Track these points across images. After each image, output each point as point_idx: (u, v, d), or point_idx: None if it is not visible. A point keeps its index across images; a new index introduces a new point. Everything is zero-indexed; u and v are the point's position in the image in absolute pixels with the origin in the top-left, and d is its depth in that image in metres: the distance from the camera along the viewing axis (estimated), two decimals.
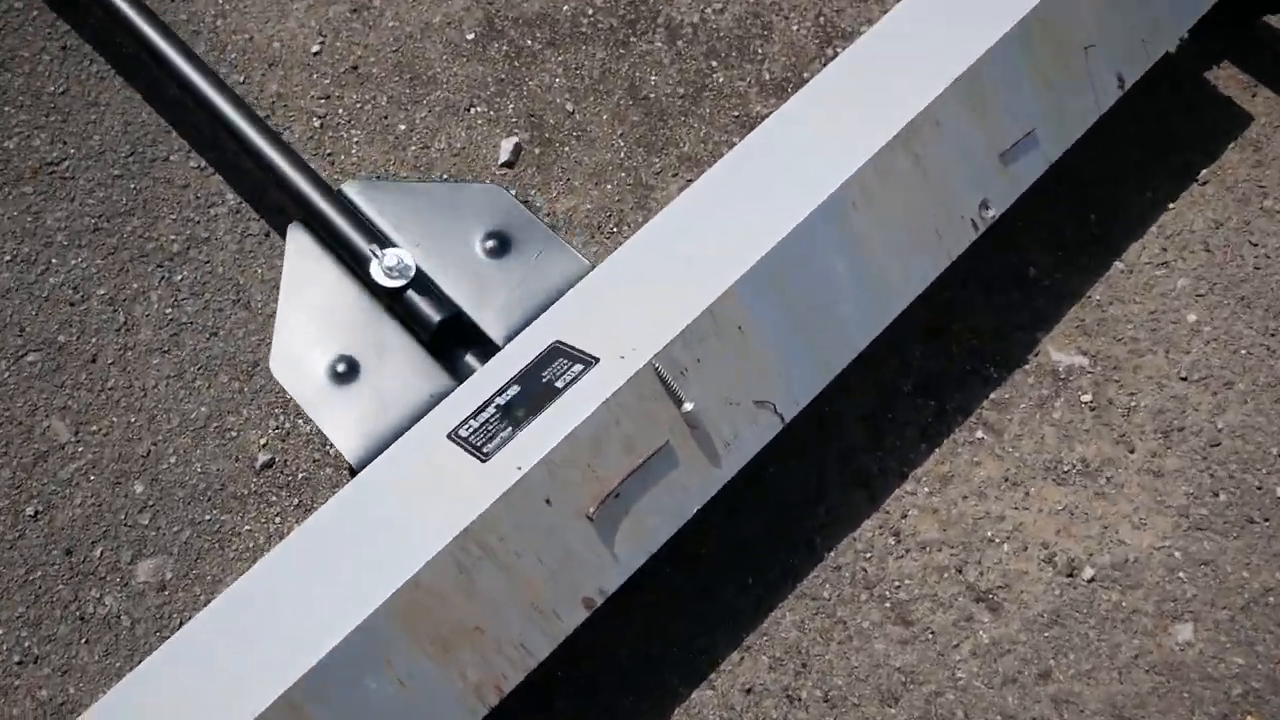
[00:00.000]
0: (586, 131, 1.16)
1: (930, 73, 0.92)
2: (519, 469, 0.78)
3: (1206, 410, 1.01)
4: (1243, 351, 1.04)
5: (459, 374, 0.93)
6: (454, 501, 0.79)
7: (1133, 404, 1.02)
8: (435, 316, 0.93)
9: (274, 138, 0.99)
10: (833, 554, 0.98)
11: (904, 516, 0.99)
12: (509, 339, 0.93)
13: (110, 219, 1.11)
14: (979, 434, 1.02)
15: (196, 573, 0.98)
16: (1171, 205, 1.11)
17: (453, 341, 0.94)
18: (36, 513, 1.00)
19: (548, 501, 0.79)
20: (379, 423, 0.90)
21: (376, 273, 0.93)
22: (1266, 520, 0.97)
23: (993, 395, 1.04)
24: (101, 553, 0.99)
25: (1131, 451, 1.00)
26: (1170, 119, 1.15)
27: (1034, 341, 1.06)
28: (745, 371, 0.86)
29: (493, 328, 0.94)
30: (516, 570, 0.79)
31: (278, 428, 1.03)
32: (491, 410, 0.85)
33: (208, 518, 1.00)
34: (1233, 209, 1.10)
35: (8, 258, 1.10)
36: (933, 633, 0.94)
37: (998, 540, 0.98)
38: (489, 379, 0.89)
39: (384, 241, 0.95)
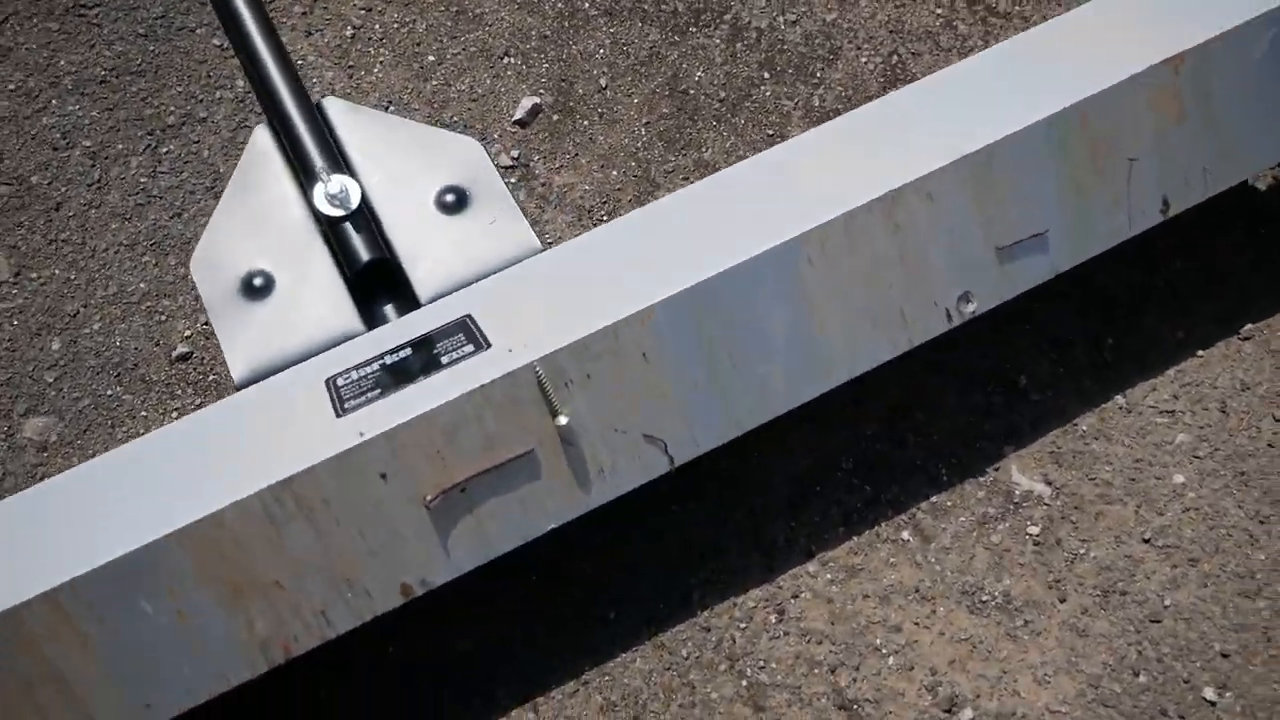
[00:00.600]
0: (612, 110, 1.10)
1: (941, 143, 0.84)
2: (361, 434, 0.74)
3: (1159, 582, 0.92)
4: (1222, 531, 0.93)
5: (373, 321, 0.89)
6: (289, 449, 0.75)
7: (1081, 551, 0.93)
8: (364, 256, 0.88)
9: (270, 31, 0.96)
10: (707, 613, 0.91)
11: (794, 596, 0.92)
12: (433, 300, 0.89)
13: (120, 75, 1.10)
14: (905, 534, 0.94)
15: (80, 443, 0.97)
16: (1201, 353, 1.00)
17: (377, 286, 0.90)
18: None
19: (383, 476, 0.75)
20: (273, 348, 0.87)
21: (318, 197, 0.89)
22: (1181, 718, 0.87)
23: (934, 498, 0.95)
24: None
25: (1062, 601, 0.91)
26: (1233, 257, 1.03)
27: (998, 454, 0.97)
28: (641, 401, 0.80)
29: (421, 283, 0.89)
30: (333, 537, 0.74)
31: (206, 324, 1.01)
32: (375, 368, 0.81)
33: (110, 393, 0.99)
34: (1267, 376, 0.99)
35: (11, 87, 1.10)
36: None
37: (885, 651, 0.90)
38: (392, 334, 0.84)
39: (342, 167, 0.91)
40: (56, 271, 1.03)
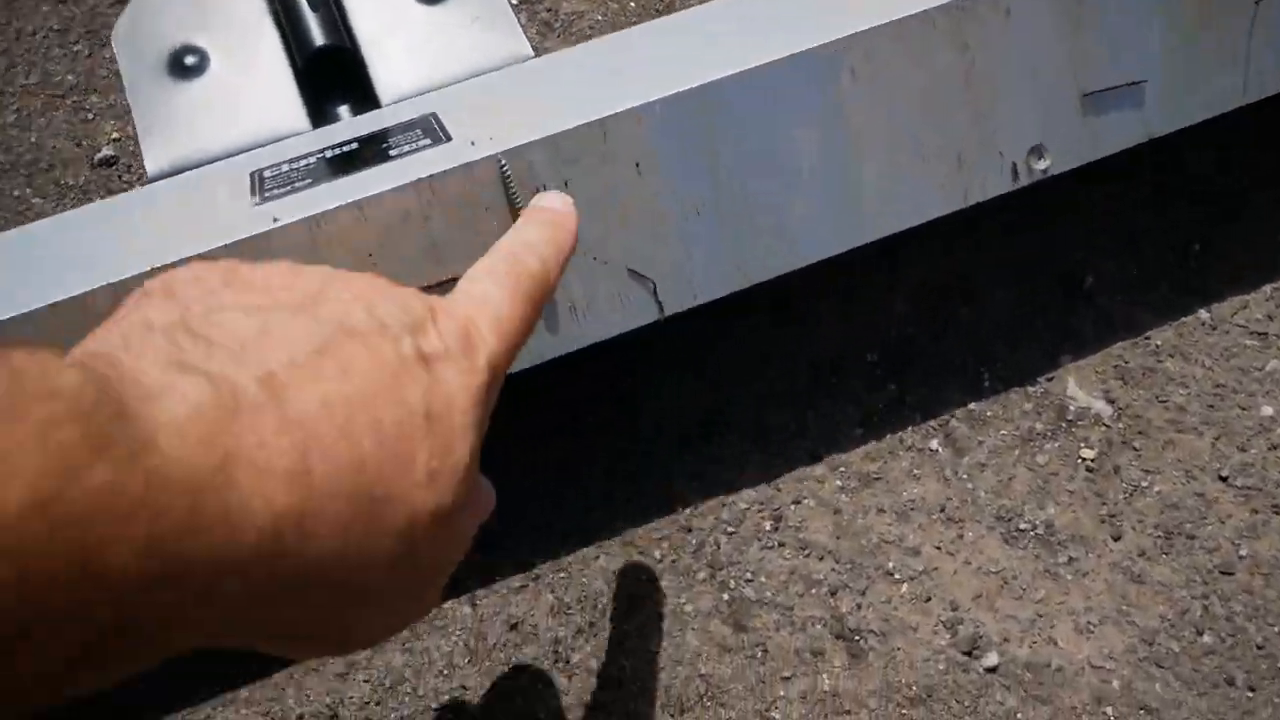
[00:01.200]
0: None
1: None
2: (275, 220, 0.59)
3: (1234, 527, 0.76)
4: None
5: (321, 120, 0.74)
6: (187, 233, 0.60)
7: (1143, 484, 0.77)
8: (317, 40, 0.73)
9: None
10: (689, 511, 0.76)
11: (796, 502, 0.76)
12: (396, 103, 0.74)
13: None
14: (934, 444, 0.78)
15: None
16: None
17: (331, 82, 0.75)
18: None
19: None
20: (197, 138, 0.72)
21: None
22: (1251, 690, 0.71)
23: (972, 406, 0.80)
24: None
25: (1116, 539, 0.75)
26: None
27: (1053, 363, 0.81)
28: (628, 226, 0.64)
29: (383, 81, 0.74)
30: None
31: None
32: (312, 161, 0.66)
33: (17, 194, 0.84)
34: None
35: None
36: (765, 651, 0.72)
37: (898, 577, 0.74)
38: (341, 133, 0.70)
39: None
40: None
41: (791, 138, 0.65)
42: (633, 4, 0.92)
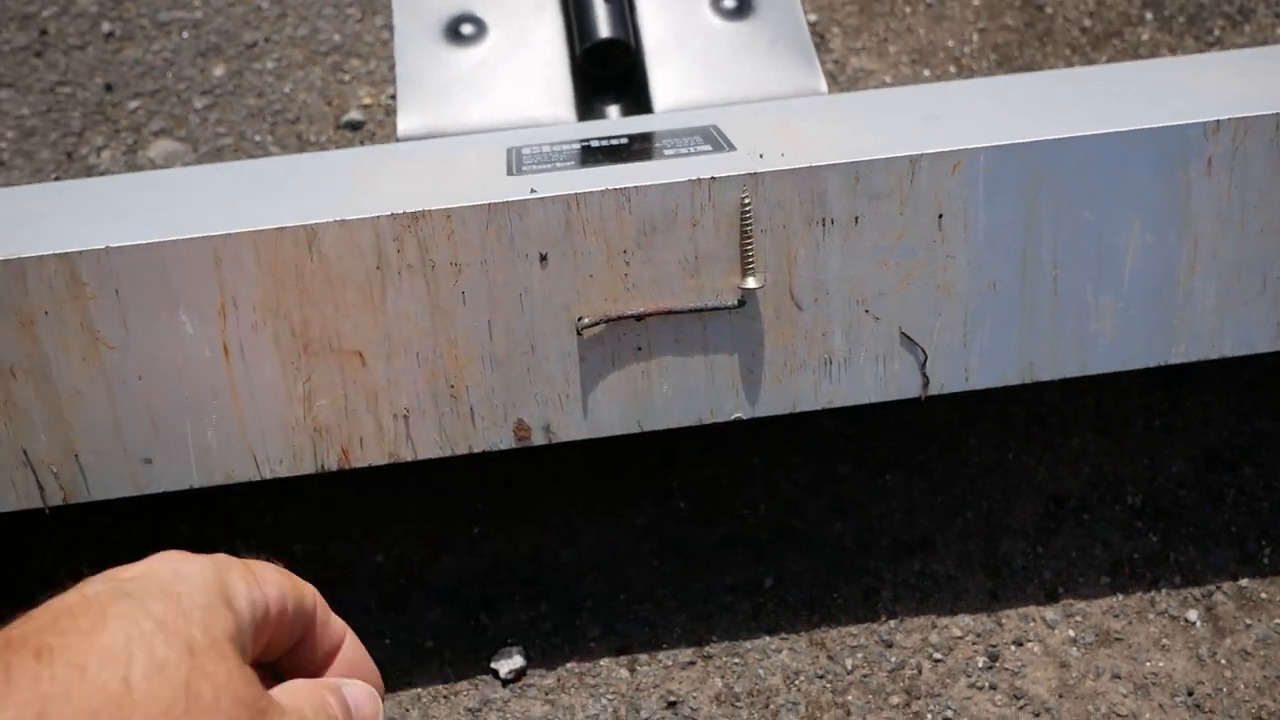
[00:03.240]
0: (943, 3, 0.88)
1: None
2: (532, 190, 0.53)
3: None
4: None
5: (588, 116, 0.69)
6: (432, 188, 0.55)
7: None
8: (603, 32, 0.68)
9: None
10: (893, 624, 0.66)
11: (1018, 643, 0.66)
12: (671, 111, 0.68)
13: None
14: (1192, 615, 0.67)
15: None
16: None
17: (603, 78, 0.69)
18: (111, 34, 0.85)
19: (543, 259, 0.53)
20: (456, 108, 0.68)
21: None
22: None
23: (1244, 582, 0.68)
24: (136, 109, 0.82)
25: None
26: None
27: None
28: (912, 283, 0.56)
29: (661, 88, 0.69)
30: (449, 317, 0.54)
31: (392, 98, 0.83)
32: (576, 146, 0.61)
33: (257, 139, 0.81)
34: None
35: None
36: None
37: None
38: (606, 128, 0.64)
39: None
40: None
41: (1120, 227, 0.56)
42: (927, 73, 0.85)
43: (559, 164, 0.57)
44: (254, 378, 0.53)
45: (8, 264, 0.50)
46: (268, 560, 0.43)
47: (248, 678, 0.38)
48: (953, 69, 0.85)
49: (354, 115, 0.82)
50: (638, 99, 0.69)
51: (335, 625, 0.46)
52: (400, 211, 0.51)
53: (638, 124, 0.64)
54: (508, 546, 0.68)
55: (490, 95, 0.68)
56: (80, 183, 0.64)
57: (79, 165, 0.80)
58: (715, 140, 0.59)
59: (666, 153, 0.58)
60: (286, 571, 0.44)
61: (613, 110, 0.69)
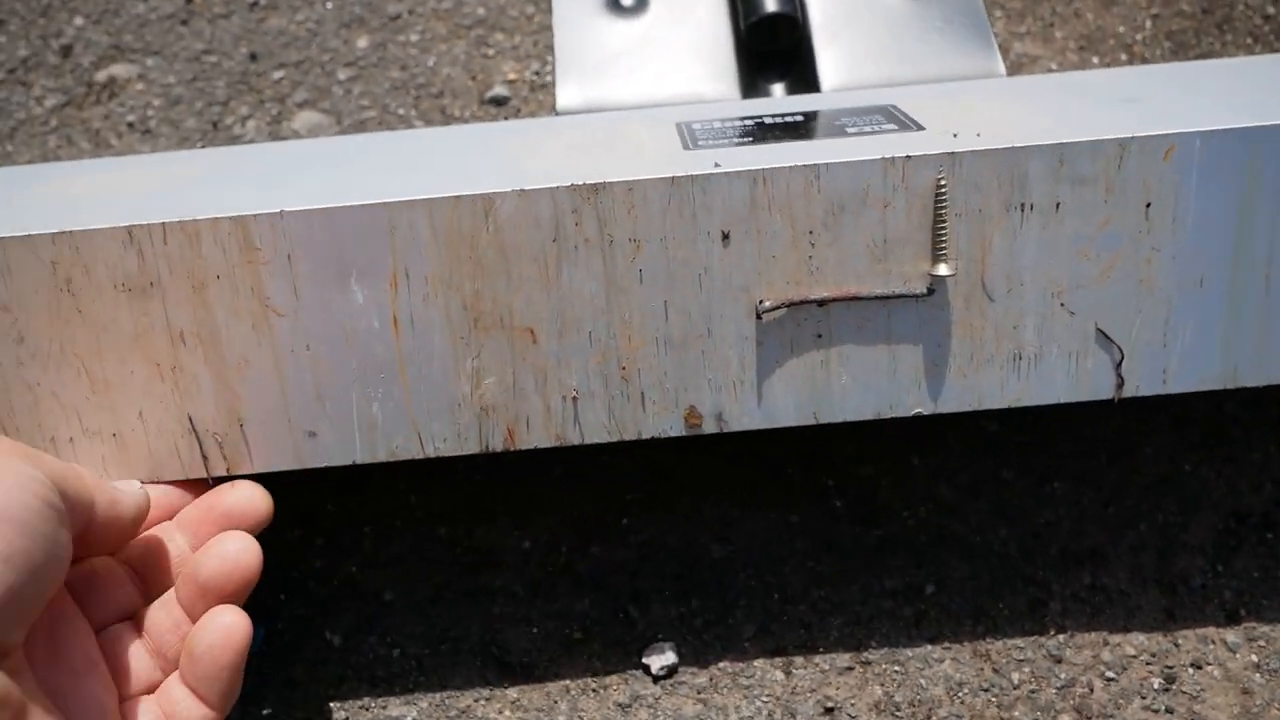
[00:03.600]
0: None
1: None
2: (716, 165, 0.50)
3: None
4: None
5: (752, 93, 0.66)
6: (610, 161, 0.53)
7: None
8: (770, 6, 0.66)
9: None
10: (1062, 639, 0.62)
11: (1196, 666, 0.62)
12: (839, 90, 0.65)
13: None
14: None
15: None
16: None
17: (767, 56, 0.67)
18: (255, 3, 0.84)
19: (725, 237, 0.51)
20: (617, 81, 0.65)
21: None
22: None
23: None
24: (280, 79, 0.81)
25: None
26: None
27: None
28: (1112, 276, 0.52)
29: (829, 67, 0.66)
30: (624, 295, 0.51)
31: (536, 74, 0.81)
32: (749, 123, 0.58)
33: (400, 112, 0.80)
34: None
35: None
36: None
37: None
38: (772, 105, 0.61)
39: None
40: None
41: None
42: (1095, 60, 0.81)
43: (736, 140, 0.55)
44: (423, 351, 0.51)
45: (183, 226, 0.49)
46: None
47: None
48: (1124, 56, 0.81)
49: (499, 90, 0.80)
50: (803, 77, 0.66)
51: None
52: (581, 183, 0.49)
53: (808, 102, 0.61)
54: (658, 538, 0.65)
55: (651, 69, 0.66)
56: (246, 148, 0.64)
57: (224, 134, 0.79)
58: (899, 119, 0.56)
59: (850, 131, 0.55)
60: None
61: (777, 88, 0.66)
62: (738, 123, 0.58)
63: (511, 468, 0.68)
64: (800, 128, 0.57)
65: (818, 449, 0.68)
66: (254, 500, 0.52)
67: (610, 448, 0.68)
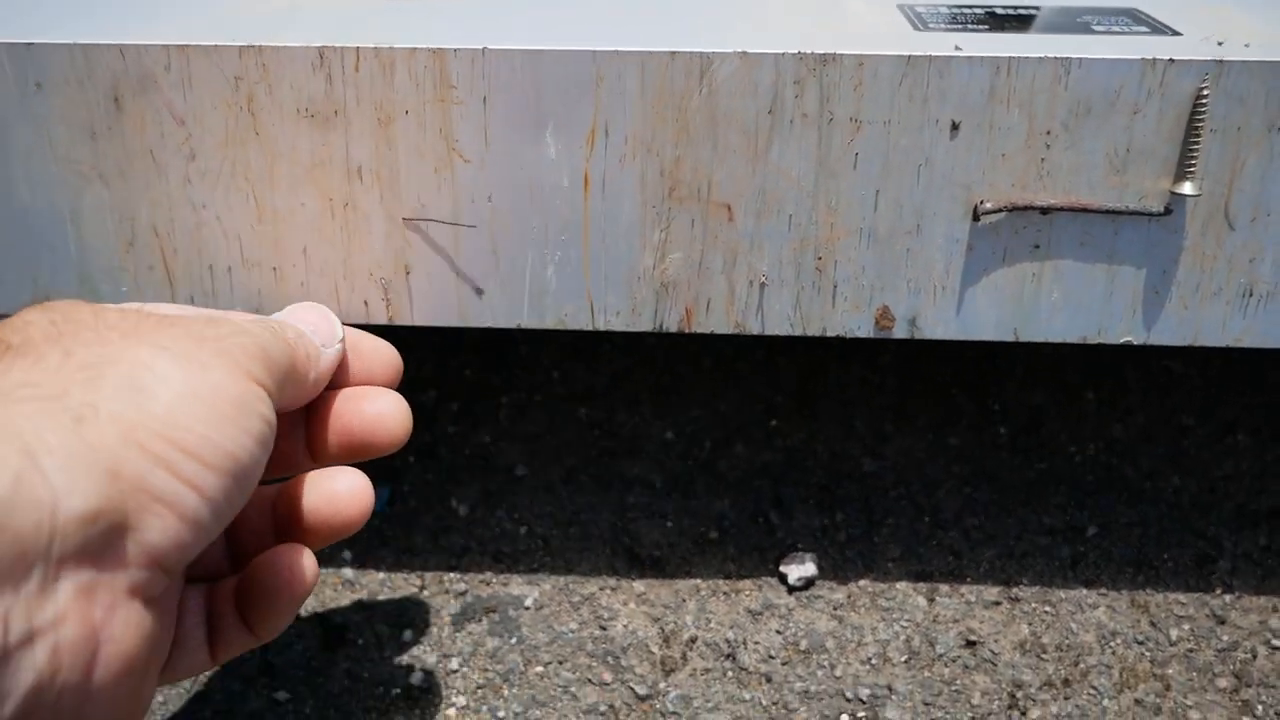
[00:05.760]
0: None
1: None
2: (957, 49, 0.46)
3: None
4: None
5: None
6: (839, 34, 0.48)
7: None
8: None
9: None
10: (1228, 599, 0.59)
11: None
12: None
13: None
14: None
15: None
16: None
17: None
18: None
19: (954, 127, 0.46)
20: None
21: None
22: None
23: None
24: None
25: None
26: None
27: None
28: None
29: None
30: (834, 180, 0.47)
31: None
32: (980, 11, 0.53)
33: None
34: None
35: None
36: None
37: None
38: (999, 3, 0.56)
39: None
40: None
41: None
42: None
43: (971, 25, 0.50)
44: (611, 216, 0.48)
45: (379, 53, 0.46)
46: None
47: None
48: None
49: None
50: None
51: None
52: (809, 52, 0.45)
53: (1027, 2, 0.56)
54: (806, 446, 0.62)
55: None
56: None
57: None
58: (1149, 23, 0.51)
59: (1096, 29, 0.50)
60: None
61: None
62: (969, 9, 0.53)
63: (659, 355, 0.65)
64: (1038, 21, 0.52)
65: (986, 370, 0.64)
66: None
67: (764, 344, 0.65)
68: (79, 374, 0.34)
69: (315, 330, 0.45)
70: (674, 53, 0.45)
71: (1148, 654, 0.57)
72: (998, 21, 0.51)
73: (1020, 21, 0.51)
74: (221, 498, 0.35)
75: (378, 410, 0.46)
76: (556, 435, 0.64)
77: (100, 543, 0.31)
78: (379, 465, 0.51)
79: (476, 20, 0.50)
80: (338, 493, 0.44)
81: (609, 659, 0.56)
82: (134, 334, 0.36)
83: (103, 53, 0.46)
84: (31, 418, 0.31)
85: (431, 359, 0.64)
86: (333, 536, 0.45)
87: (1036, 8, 0.54)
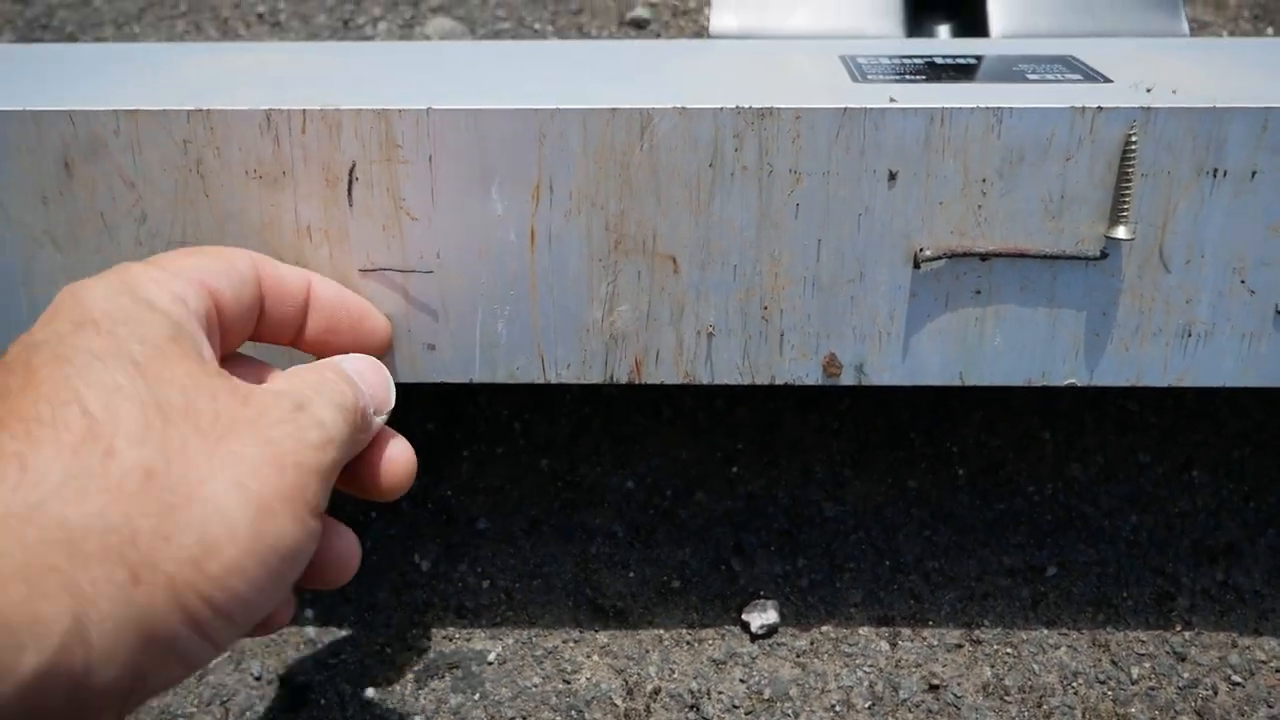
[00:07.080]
0: None
1: None
2: (892, 100, 0.47)
3: None
4: None
5: (916, 33, 0.62)
6: (776, 87, 0.50)
7: None
8: None
9: None
10: (1188, 635, 0.59)
11: None
12: (1009, 37, 0.61)
13: None
14: None
15: None
16: None
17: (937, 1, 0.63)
18: None
19: (892, 176, 0.47)
20: (772, 13, 0.62)
21: None
22: None
23: None
24: None
25: None
26: None
27: None
28: None
29: (999, 12, 0.62)
30: (776, 230, 0.48)
31: (680, 0, 0.77)
32: (918, 61, 0.54)
33: (537, 27, 0.77)
34: None
35: None
36: None
37: None
38: (941, 46, 0.58)
39: None
40: None
41: None
42: (1270, 30, 0.76)
43: (908, 76, 0.51)
44: (557, 270, 0.49)
45: (325, 115, 0.46)
46: None
47: (213, 371, 0.35)
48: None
49: (640, 12, 0.77)
50: (971, 22, 0.62)
51: (291, 277, 0.45)
52: (747, 106, 0.46)
53: (979, 46, 0.58)
54: (766, 491, 0.63)
55: (813, 1, 0.62)
56: (387, 44, 0.61)
57: (354, 34, 0.77)
58: (1082, 70, 0.52)
59: (1030, 77, 0.51)
60: (203, 249, 0.42)
61: (942, 30, 0.62)
62: (908, 60, 0.54)
63: (619, 405, 0.65)
64: (975, 70, 0.53)
65: (943, 414, 0.65)
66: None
67: (723, 393, 0.65)
68: (152, 501, 0.32)
69: (372, 396, 0.43)
70: (615, 109, 0.46)
71: (1110, 693, 0.57)
72: (935, 71, 0.52)
73: (958, 71, 0.53)
74: (231, 643, 0.35)
75: (389, 456, 0.46)
76: (518, 487, 0.64)
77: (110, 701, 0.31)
78: (342, 521, 0.51)
79: (419, 83, 0.51)
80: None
81: (573, 713, 0.56)
82: (224, 435, 0.34)
83: (53, 119, 0.47)
84: (89, 566, 0.30)
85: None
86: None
87: (976, 57, 0.55)
